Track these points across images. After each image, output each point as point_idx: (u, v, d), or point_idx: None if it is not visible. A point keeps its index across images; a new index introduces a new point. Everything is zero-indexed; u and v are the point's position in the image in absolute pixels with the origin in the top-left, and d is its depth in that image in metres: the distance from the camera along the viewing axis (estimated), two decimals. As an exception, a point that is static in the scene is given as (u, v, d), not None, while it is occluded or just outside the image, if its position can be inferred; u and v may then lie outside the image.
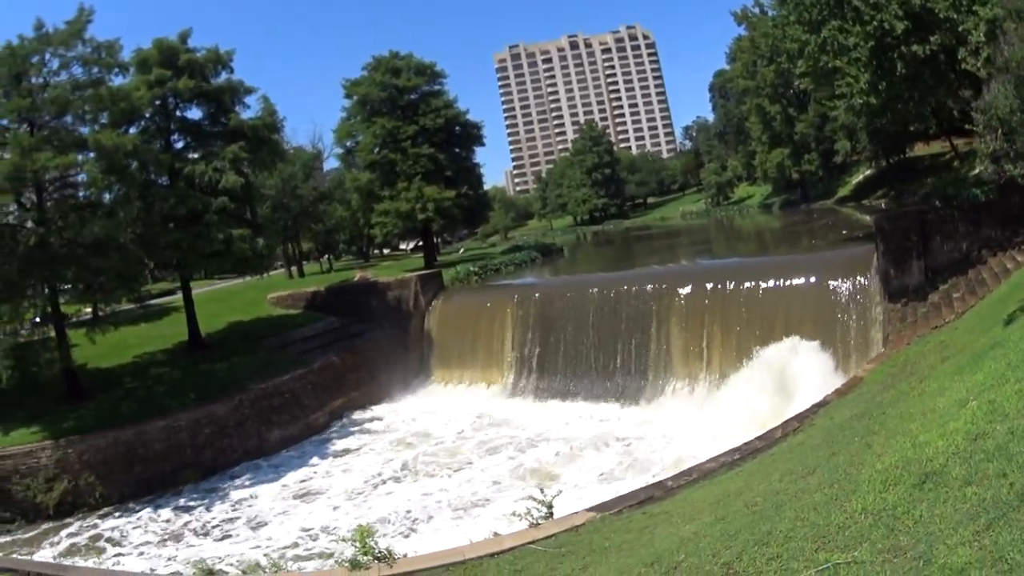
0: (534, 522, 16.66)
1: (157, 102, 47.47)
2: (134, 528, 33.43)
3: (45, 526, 34.42)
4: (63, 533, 33.58)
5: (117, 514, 35.29)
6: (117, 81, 42.80)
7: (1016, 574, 7.25)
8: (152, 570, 28.19)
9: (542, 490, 17.46)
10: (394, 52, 79.53)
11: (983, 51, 30.57)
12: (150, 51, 47.36)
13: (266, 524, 32.35)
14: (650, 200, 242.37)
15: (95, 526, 34.27)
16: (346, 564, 15.22)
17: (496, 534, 17.00)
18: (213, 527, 32.74)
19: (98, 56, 40.39)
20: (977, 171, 70.35)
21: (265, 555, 27.97)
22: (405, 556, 15.90)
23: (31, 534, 33.78)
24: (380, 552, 15.24)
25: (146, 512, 35.11)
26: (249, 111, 51.22)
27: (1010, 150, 18.71)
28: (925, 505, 9.76)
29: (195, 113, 50.61)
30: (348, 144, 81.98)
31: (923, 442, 12.35)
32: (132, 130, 44.57)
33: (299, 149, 79.29)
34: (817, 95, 59.76)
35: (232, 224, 46.32)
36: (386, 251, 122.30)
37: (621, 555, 13.50)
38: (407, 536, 28.39)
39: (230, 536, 31.70)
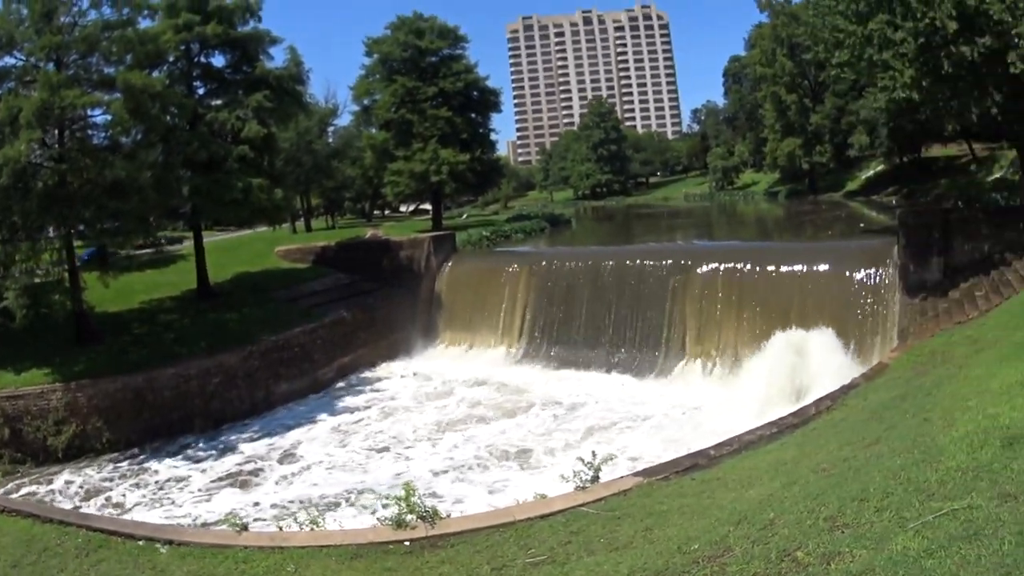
0: (581, 485, 16.61)
1: (182, 47, 47.09)
2: (142, 476, 33.22)
3: (54, 469, 34.12)
4: (74, 477, 33.36)
5: (124, 460, 35.14)
6: (144, 24, 42.61)
7: None
8: (174, 520, 27.57)
9: (594, 453, 17.35)
10: (418, 13, 78.91)
11: None
12: (180, -6, 46.88)
13: (274, 479, 32.17)
14: (653, 179, 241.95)
15: (105, 470, 34.08)
16: (389, 523, 15.00)
17: (543, 496, 16.91)
18: (218, 479, 32.54)
19: (128, -4, 39.89)
20: (998, 175, 70.49)
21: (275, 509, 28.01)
22: (449, 516, 15.74)
23: (41, 476, 33.56)
24: (425, 511, 14.99)
25: (153, 460, 34.96)
26: (273, 62, 50.94)
27: None
28: (1020, 461, 10.15)
29: (219, 60, 50.32)
30: (365, 102, 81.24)
31: (994, 414, 13.00)
32: (156, 74, 44.06)
33: (314, 105, 78.59)
34: (860, 84, 59.33)
35: (251, 174, 45.91)
36: (387, 212, 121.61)
37: (686, 517, 13.49)
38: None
39: (240, 486, 31.59)
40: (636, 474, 17.83)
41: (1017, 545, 7.65)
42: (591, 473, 16.85)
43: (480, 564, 13.36)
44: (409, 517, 14.91)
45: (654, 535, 12.78)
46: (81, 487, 32.42)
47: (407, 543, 14.45)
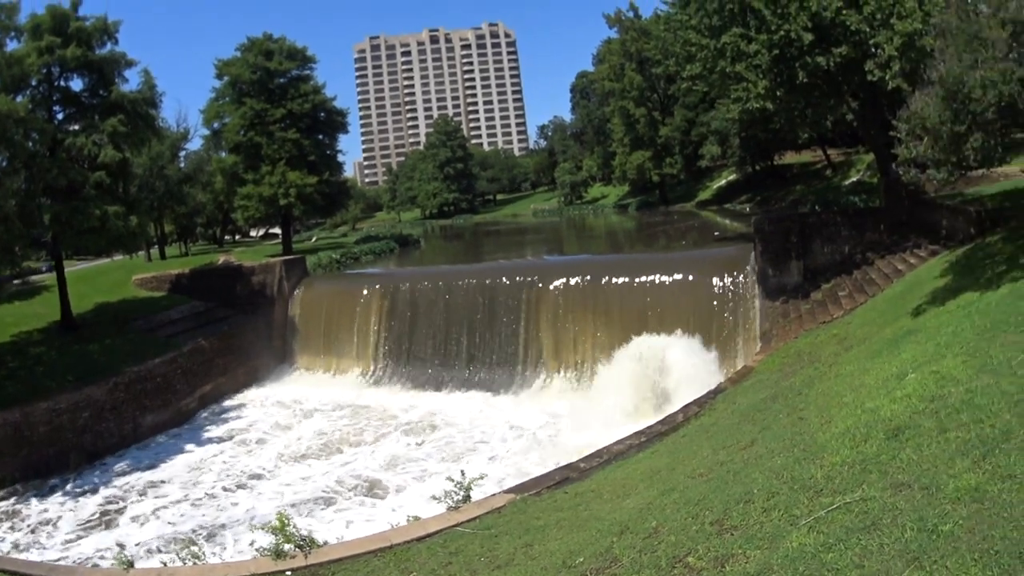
0: (454, 505, 16.90)
1: (44, 70, 45.99)
2: (16, 517, 32.13)
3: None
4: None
5: (9, 499, 34.08)
6: (12, 46, 41.84)
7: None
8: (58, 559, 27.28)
9: (463, 472, 17.77)
10: (268, 34, 78.41)
11: (894, 64, 31.93)
12: (43, 16, 45.81)
13: (147, 514, 31.57)
14: (500, 196, 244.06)
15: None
16: (268, 553, 15.24)
17: (417, 517, 17.16)
18: (96, 517, 31.79)
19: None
20: (855, 179, 73.33)
21: (155, 545, 27.69)
22: (327, 544, 16.04)
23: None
24: (302, 540, 15.35)
25: (31, 499, 33.90)
26: (128, 85, 50.12)
27: (937, 156, 20.18)
28: (908, 451, 10.51)
29: (77, 84, 49.04)
30: (216, 125, 79.75)
31: (873, 408, 13.43)
32: (19, 98, 43.22)
33: (166, 129, 77.32)
34: (710, 96, 60.57)
35: (108, 200, 44.89)
36: (237, 237, 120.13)
37: (565, 531, 13.79)
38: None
39: (106, 526, 30.96)
40: (508, 491, 18.21)
41: (919, 531, 8.02)
42: (462, 493, 17.21)
43: (362, 591, 13.81)
44: (287, 547, 15.17)
45: (535, 551, 13.07)
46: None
47: (288, 573, 14.72)
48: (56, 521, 31.59)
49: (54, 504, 33.36)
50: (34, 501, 33.76)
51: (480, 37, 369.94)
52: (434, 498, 17.63)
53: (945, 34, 21.61)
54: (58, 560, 26.64)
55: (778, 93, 35.78)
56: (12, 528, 31.25)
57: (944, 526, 7.91)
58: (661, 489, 14.37)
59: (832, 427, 13.48)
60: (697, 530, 10.69)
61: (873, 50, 33.55)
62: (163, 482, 35.27)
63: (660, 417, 25.15)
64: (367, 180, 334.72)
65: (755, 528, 9.88)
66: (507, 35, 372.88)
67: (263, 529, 15.79)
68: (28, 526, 31.37)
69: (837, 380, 18.56)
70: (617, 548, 11.31)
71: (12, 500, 33.95)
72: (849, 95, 38.95)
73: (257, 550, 15.94)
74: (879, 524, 8.46)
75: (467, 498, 17.29)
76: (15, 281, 50.37)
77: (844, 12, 32.89)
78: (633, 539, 11.50)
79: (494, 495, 17.84)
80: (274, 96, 75.83)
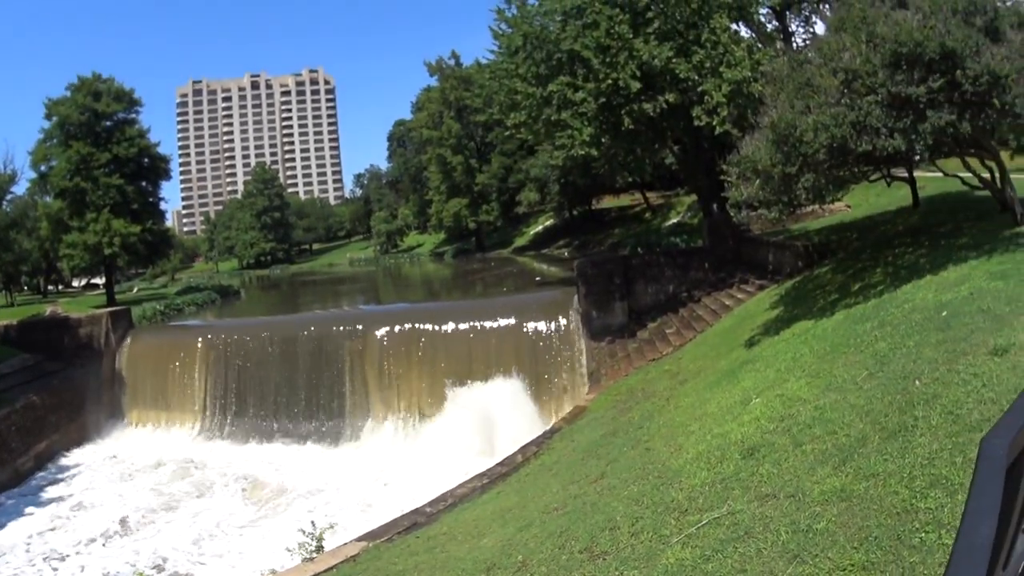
0: (308, 556, 17.09)
1: None
2: None
3: None
4: None
5: None
6: None
7: (892, 480, 8.55)
8: None
9: (314, 523, 18.06)
10: (96, 74, 77.11)
11: (722, 110, 33.63)
12: None
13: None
14: (316, 246, 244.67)
15: None
16: None
17: (273, 571, 17.47)
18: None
19: None
20: (675, 220, 75.63)
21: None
22: None
23: None
24: None
25: None
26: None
27: (768, 197, 21.59)
28: (767, 466, 10.92)
29: None
30: (43, 168, 77.66)
31: (722, 433, 13.87)
32: None
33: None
34: (527, 144, 61.29)
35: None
36: (60, 287, 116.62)
37: (426, 574, 13.74)
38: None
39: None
40: (359, 539, 17.98)
41: (795, 532, 8.32)
42: (315, 543, 17.51)
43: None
44: None
45: None
46: None
47: None
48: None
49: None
50: None
51: (300, 83, 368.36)
52: (287, 550, 17.73)
53: (776, 81, 23.39)
54: None
55: (603, 139, 37.09)
56: None
57: (818, 524, 8.28)
58: (518, 526, 14.49)
59: (684, 453, 13.91)
60: (567, 559, 10.90)
61: (700, 97, 35.11)
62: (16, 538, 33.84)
63: (495, 460, 25.41)
64: (185, 229, 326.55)
65: (627, 551, 10.14)
66: (327, 81, 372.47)
67: None
68: None
69: (678, 411, 19.03)
70: (489, 586, 11.12)
71: None
72: (672, 140, 40.81)
73: None
74: (752, 532, 8.81)
75: (320, 548, 17.49)
76: None
77: (674, 61, 34.47)
78: (503, 574, 11.69)
79: (346, 544, 17.76)
80: (100, 139, 74.80)
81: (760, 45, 37.30)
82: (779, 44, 40.28)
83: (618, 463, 16.38)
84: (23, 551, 32.78)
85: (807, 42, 41.57)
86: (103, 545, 32.62)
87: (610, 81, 34.82)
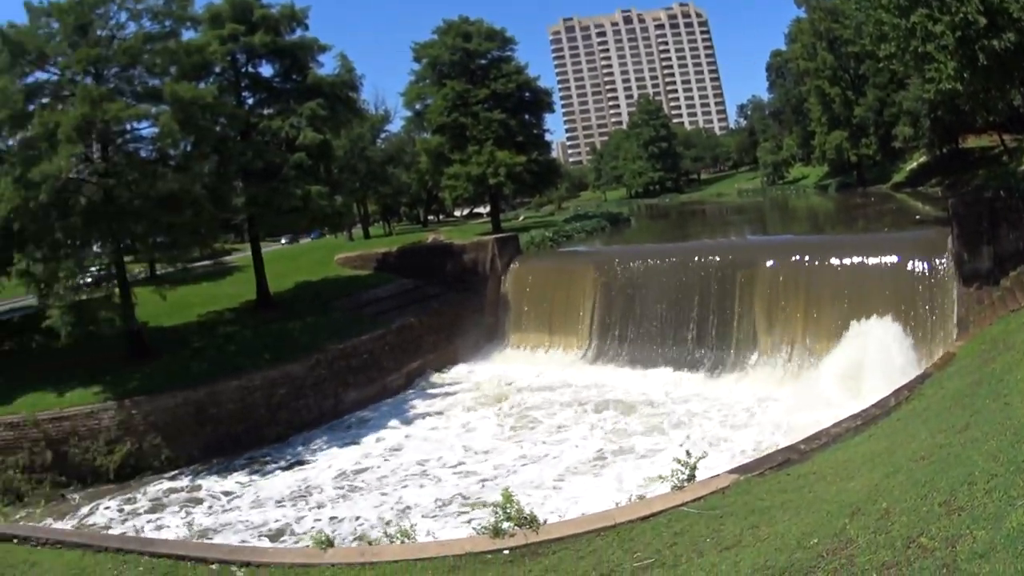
0: (678, 485, 16.42)
1: (228, 58, 46.75)
2: (203, 493, 31.77)
3: (104, 490, 32.72)
4: (129, 497, 31.80)
5: (185, 477, 33.66)
6: (187, 35, 41.90)
7: None
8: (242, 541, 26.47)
9: (688, 452, 17.09)
10: (464, 17, 78.02)
11: None
12: (222, 6, 46.72)
13: (352, 491, 30.60)
14: (704, 176, 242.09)
15: (163, 489, 32.62)
16: (486, 531, 14.72)
17: (641, 497, 17.27)
18: (294, 493, 30.80)
19: (169, 9, 39.29)
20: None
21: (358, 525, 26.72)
22: (547, 522, 15.28)
23: (90, 499, 32.04)
24: (524, 518, 14.76)
25: (216, 476, 33.52)
26: (323, 69, 50.46)
27: None
28: None
29: (267, 70, 49.90)
30: (417, 107, 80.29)
31: None
32: (203, 85, 43.40)
33: (366, 111, 77.96)
34: (899, 76, 59.27)
35: (309, 181, 45.20)
36: (441, 216, 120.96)
37: (792, 512, 13.44)
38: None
39: (315, 504, 29.70)
40: (731, 471, 17.69)
41: None
42: (687, 472, 16.66)
43: (586, 570, 13.07)
44: (507, 525, 14.65)
45: (762, 532, 12.72)
46: (134, 510, 30.63)
47: (506, 551, 14.09)
48: (250, 494, 31.15)
49: (247, 479, 32.97)
50: (217, 478, 33.32)
51: (672, 17, 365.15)
52: (660, 477, 17.17)
53: None
54: (242, 542, 25.57)
55: (965, 74, 35.73)
56: (199, 502, 30.94)
57: None
58: (884, 472, 14.22)
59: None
60: (927, 511, 10.69)
61: None
62: (365, 456, 34.55)
63: (868, 401, 24.52)
64: (571, 160, 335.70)
65: (980, 509, 9.87)
66: (698, 15, 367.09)
67: (476, 507, 15.51)
68: (219, 500, 31.05)
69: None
70: (851, 529, 11.20)
71: (191, 478, 33.60)
72: (1020, 81, 39.40)
73: (475, 528, 15.60)
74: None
75: (692, 477, 16.76)
76: (204, 262, 50.59)
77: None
78: (866, 520, 11.40)
79: (718, 475, 17.43)
80: (476, 77, 75.43)
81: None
82: None
83: (980, 415, 15.75)
84: (416, 451, 34.53)
85: None
86: (474, 456, 33.40)
87: (961, 15, 33.76)
